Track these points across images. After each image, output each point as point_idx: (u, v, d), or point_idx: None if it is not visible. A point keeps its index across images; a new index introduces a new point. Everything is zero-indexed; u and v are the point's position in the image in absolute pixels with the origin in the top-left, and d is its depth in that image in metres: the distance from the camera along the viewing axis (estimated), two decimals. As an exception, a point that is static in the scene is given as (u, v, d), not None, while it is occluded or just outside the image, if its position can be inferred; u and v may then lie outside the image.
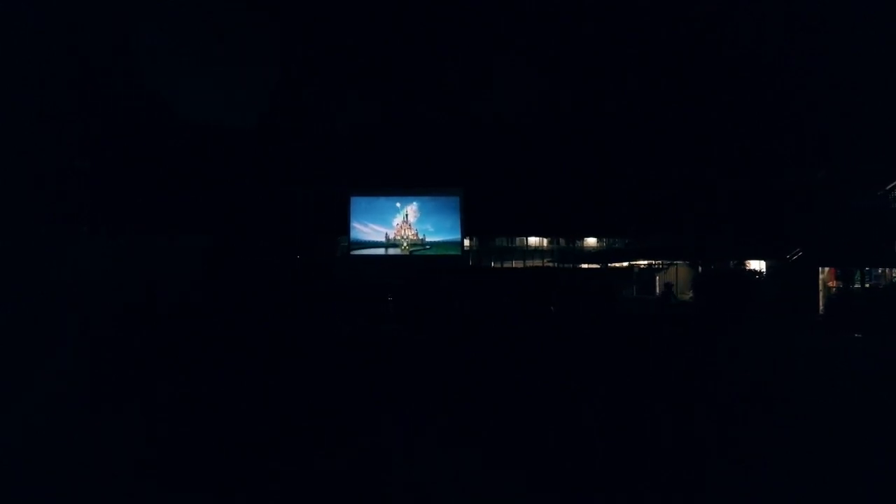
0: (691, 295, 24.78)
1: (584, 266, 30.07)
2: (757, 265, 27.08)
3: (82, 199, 22.14)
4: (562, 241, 31.31)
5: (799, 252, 24.05)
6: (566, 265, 30.15)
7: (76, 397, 8.15)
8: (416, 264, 25.76)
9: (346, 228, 26.79)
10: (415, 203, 26.83)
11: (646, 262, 29.39)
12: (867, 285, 22.35)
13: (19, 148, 19.72)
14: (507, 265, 30.17)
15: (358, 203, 26.90)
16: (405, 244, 26.57)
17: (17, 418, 6.93)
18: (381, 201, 26.93)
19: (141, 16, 22.81)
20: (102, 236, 22.89)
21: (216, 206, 25.28)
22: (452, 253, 26.18)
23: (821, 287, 22.50)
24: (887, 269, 23.07)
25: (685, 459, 5.98)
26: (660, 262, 28.90)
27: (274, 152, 25.63)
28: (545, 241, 31.46)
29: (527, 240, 31.16)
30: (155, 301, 16.78)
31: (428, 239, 26.58)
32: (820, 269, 22.71)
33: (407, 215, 26.79)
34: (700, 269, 27.74)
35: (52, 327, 12.26)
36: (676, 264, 28.07)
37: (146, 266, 20.40)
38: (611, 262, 29.59)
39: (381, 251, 26.43)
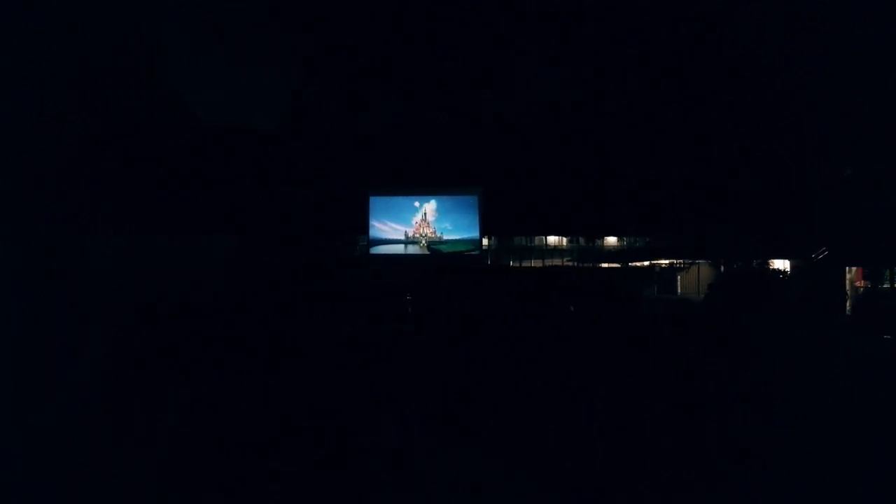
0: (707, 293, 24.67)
1: (605, 265, 30.05)
2: (781, 264, 26.58)
3: (104, 199, 22.46)
4: (581, 240, 31.27)
5: (825, 251, 23.88)
6: (586, 264, 30.14)
7: (88, 396, 8.27)
8: (434, 264, 25.99)
9: (365, 228, 27.13)
10: (433, 201, 27.05)
11: (667, 262, 29.23)
12: (896, 285, 21.94)
13: (43, 150, 20.14)
14: (525, 264, 30.31)
15: (377, 202, 27.25)
16: (423, 241, 26.85)
17: (24, 417, 7.05)
18: (400, 200, 27.22)
19: (162, 16, 23.04)
20: (122, 236, 23.15)
21: (237, 207, 25.64)
22: (470, 248, 26.43)
23: (848, 287, 22.25)
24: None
25: (716, 461, 6.05)
26: (681, 261, 28.68)
27: (293, 153, 25.99)
28: (564, 240, 31.47)
29: (546, 239, 31.21)
30: (175, 301, 17.02)
31: (445, 237, 26.85)
32: (847, 268, 22.49)
33: (425, 214, 27.08)
34: (722, 268, 27.49)
35: (71, 326, 12.45)
36: (698, 263, 27.86)
37: (169, 266, 20.84)
38: (631, 262, 29.53)
39: (400, 248, 26.74)
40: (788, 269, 26.42)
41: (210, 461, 6.06)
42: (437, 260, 26.25)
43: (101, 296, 16.03)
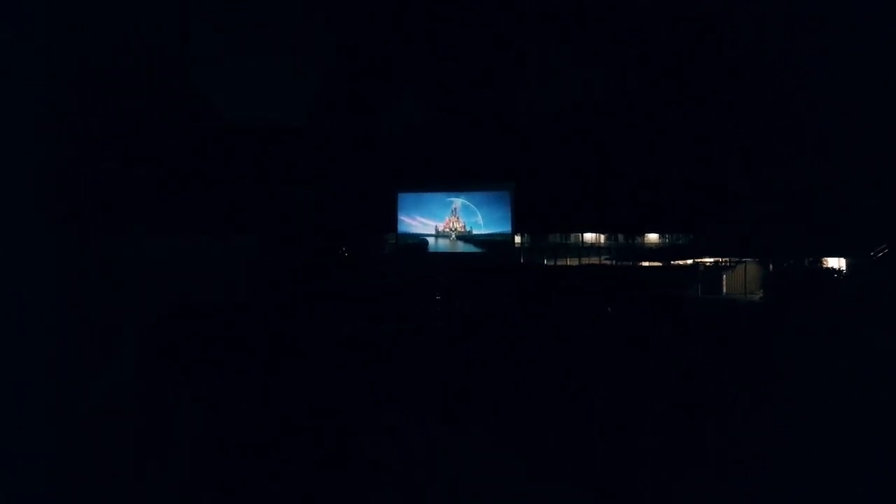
0: (760, 295, 24.59)
1: (645, 264, 29.44)
2: (836, 263, 26.11)
3: (115, 200, 22.78)
4: (620, 237, 30.92)
5: (885, 248, 23.62)
6: (625, 263, 29.66)
7: (94, 399, 8.31)
8: (463, 264, 26.10)
9: (393, 225, 27.56)
10: (464, 197, 27.24)
11: (711, 260, 28.56)
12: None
13: (63, 152, 20.47)
14: (560, 263, 30.06)
15: (405, 199, 27.69)
16: (454, 236, 27.09)
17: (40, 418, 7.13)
18: (429, 196, 27.57)
19: (188, 14, 23.22)
20: (155, 237, 23.44)
21: (261, 206, 26.02)
22: (501, 240, 26.57)
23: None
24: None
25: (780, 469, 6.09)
26: (726, 259, 28.04)
27: (318, 149, 26.50)
28: (602, 237, 31.20)
29: (582, 236, 30.90)
30: (196, 302, 17.14)
31: (476, 232, 27.05)
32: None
33: (455, 208, 27.30)
34: (771, 266, 27.10)
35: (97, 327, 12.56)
36: (745, 262, 27.28)
37: (192, 267, 21.00)
38: (674, 260, 29.25)
39: (430, 241, 27.13)
40: (844, 267, 25.93)
41: (210, 461, 6.20)
42: (467, 261, 26.34)
43: (106, 297, 16.08)
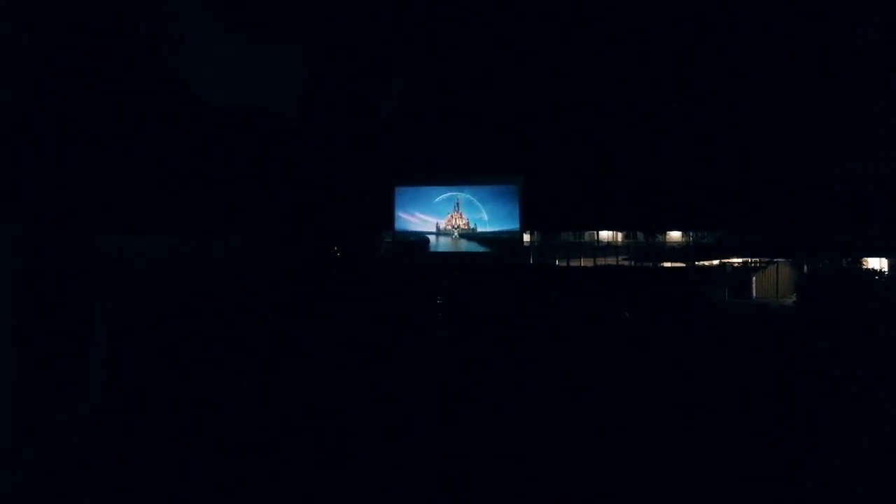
0: (794, 299, 23.61)
1: (667, 265, 28.87)
2: (877, 263, 25.86)
3: (107, 199, 21.92)
4: (639, 235, 30.60)
5: None
6: (645, 263, 29.08)
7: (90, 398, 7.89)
8: (467, 264, 25.47)
9: (389, 222, 26.78)
10: (467, 191, 26.48)
11: (740, 260, 28.27)
12: None
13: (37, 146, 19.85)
14: (573, 263, 29.75)
15: (403, 193, 26.91)
16: (456, 234, 26.27)
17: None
18: (429, 191, 26.80)
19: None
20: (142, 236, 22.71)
21: (252, 205, 25.44)
22: (508, 238, 25.97)
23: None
24: None
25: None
26: (756, 259, 27.82)
27: (308, 140, 25.61)
28: (619, 235, 31.00)
29: (597, 234, 30.73)
30: (188, 304, 16.99)
31: (480, 229, 26.16)
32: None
33: (458, 204, 26.47)
34: (805, 267, 26.67)
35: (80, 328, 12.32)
36: (777, 262, 27.07)
37: (183, 268, 20.66)
38: (698, 260, 28.47)
39: (431, 240, 26.53)
40: (885, 268, 25.71)
41: (210, 461, 6.40)
42: (471, 261, 25.64)
43: (105, 297, 15.69)
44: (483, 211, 26.20)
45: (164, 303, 16.14)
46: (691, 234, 30.50)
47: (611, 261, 29.98)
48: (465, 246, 26.16)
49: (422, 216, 26.53)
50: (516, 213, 25.95)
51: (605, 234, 30.79)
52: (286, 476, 6.00)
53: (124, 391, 8.73)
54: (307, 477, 6.02)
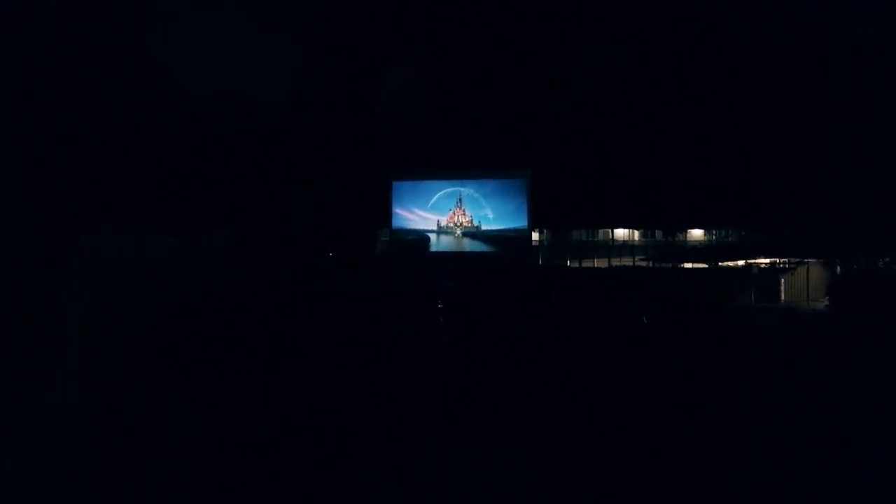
0: (826, 303, 23.47)
1: (688, 266, 28.20)
2: None
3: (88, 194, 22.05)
4: (658, 233, 30.11)
5: None
6: (664, 264, 28.41)
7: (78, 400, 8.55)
8: (470, 265, 25.23)
9: (387, 220, 26.63)
10: (471, 186, 26.31)
11: (767, 261, 27.62)
12: None
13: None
14: (586, 264, 29.09)
15: (401, 188, 26.67)
16: (459, 232, 26.22)
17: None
18: (430, 185, 26.63)
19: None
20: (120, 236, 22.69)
21: (240, 200, 25.31)
22: (515, 236, 26.04)
23: None
24: None
25: None
26: (786, 260, 27.10)
27: (297, 129, 25.43)
28: (636, 233, 30.58)
29: (612, 232, 30.21)
30: (176, 304, 16.38)
31: (485, 227, 26.09)
32: None
33: (461, 199, 26.32)
34: (838, 268, 26.14)
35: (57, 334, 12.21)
36: (807, 263, 26.25)
37: (169, 267, 20.02)
38: (722, 261, 27.99)
39: (432, 239, 26.56)
40: None
41: (209, 462, 6.60)
42: (475, 262, 25.49)
43: (96, 299, 15.41)
44: (488, 207, 26.10)
45: (147, 304, 15.48)
46: (714, 232, 30.33)
47: (627, 261, 29.55)
48: (468, 245, 26.06)
49: (421, 213, 26.38)
50: (524, 209, 25.82)
51: (620, 233, 30.53)
52: (282, 480, 6.22)
53: (106, 392, 8.79)
54: (307, 477, 6.29)
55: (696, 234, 30.31)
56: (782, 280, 26.41)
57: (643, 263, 29.22)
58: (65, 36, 22.21)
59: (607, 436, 8.07)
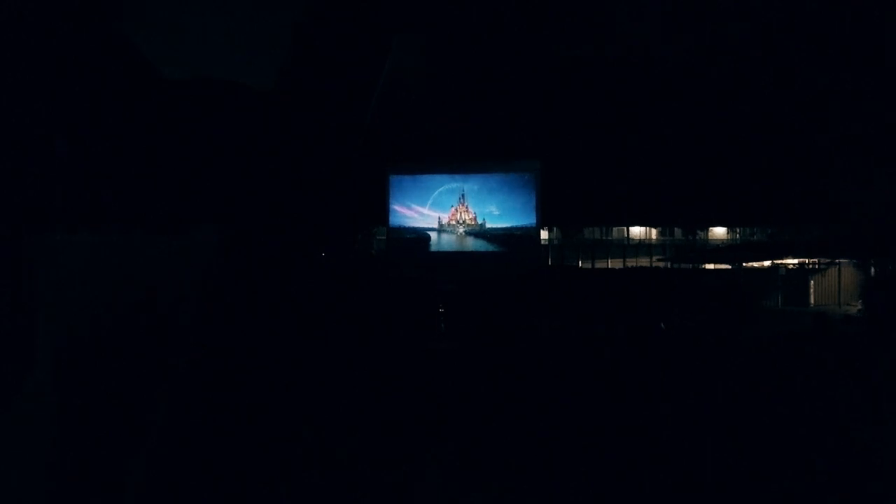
0: (859, 307, 23.59)
1: (709, 266, 28.26)
2: None
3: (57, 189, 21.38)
4: (677, 231, 29.88)
5: None
6: (683, 265, 28.36)
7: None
8: (474, 266, 25.23)
9: (383, 217, 26.32)
10: (474, 180, 26.04)
11: (795, 261, 27.45)
12: None
13: None
14: (599, 265, 29.04)
15: (399, 183, 26.36)
16: (461, 230, 25.89)
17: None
18: (429, 179, 26.34)
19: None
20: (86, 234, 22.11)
21: (222, 193, 24.32)
22: (523, 235, 25.82)
23: None
24: None
25: None
26: (815, 260, 26.96)
27: (284, 117, 24.70)
28: (654, 231, 30.26)
29: (627, 230, 29.96)
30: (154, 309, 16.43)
31: (490, 225, 25.72)
32: None
33: (464, 195, 25.99)
34: (872, 269, 26.00)
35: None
36: (839, 263, 26.20)
37: (142, 269, 19.74)
38: (746, 261, 27.92)
39: (432, 238, 26.34)
40: None
41: (209, 462, 6.88)
42: (479, 263, 25.30)
43: (69, 301, 15.77)
44: (493, 203, 26.00)
45: (124, 306, 15.41)
46: (738, 230, 30.02)
47: (643, 262, 29.44)
48: (471, 245, 25.91)
49: (421, 210, 26.25)
50: (532, 205, 25.68)
51: (636, 231, 30.27)
52: (286, 476, 6.59)
53: (78, 397, 8.53)
54: (307, 477, 6.68)
55: (719, 232, 30.06)
56: (812, 282, 26.35)
57: (661, 264, 29.04)
58: (28, 22, 22.08)
59: (627, 458, 7.86)
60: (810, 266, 27.27)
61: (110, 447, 7.28)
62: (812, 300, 26.34)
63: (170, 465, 7.13)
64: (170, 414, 8.34)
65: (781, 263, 27.72)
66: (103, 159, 22.38)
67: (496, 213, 25.65)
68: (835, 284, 25.78)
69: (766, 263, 27.81)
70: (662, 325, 19.46)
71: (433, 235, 26.00)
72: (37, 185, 20.90)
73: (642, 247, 30.05)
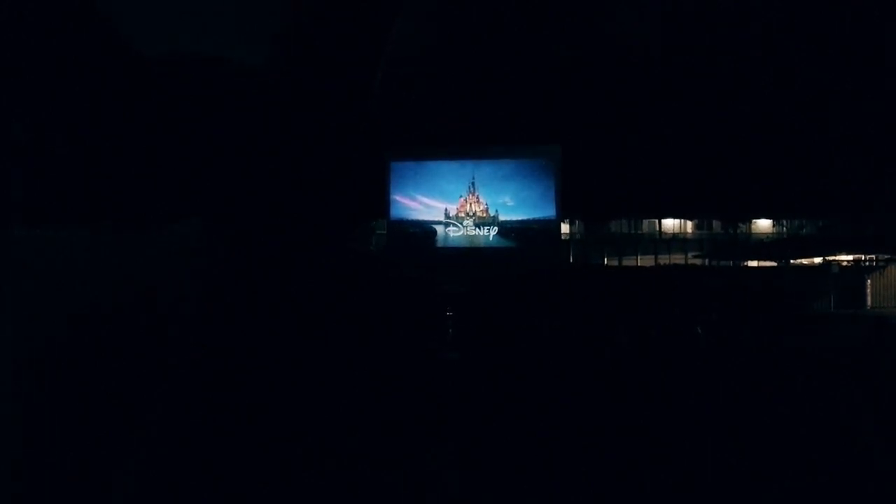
0: None
1: (752, 264, 28.53)
2: None
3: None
4: (715, 224, 30.09)
5: None
6: (723, 262, 28.72)
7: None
8: (485, 264, 25.25)
9: (383, 208, 26.41)
10: (486, 166, 26.09)
11: (850, 258, 27.59)
12: None
13: None
14: (627, 262, 29.42)
15: (401, 170, 26.45)
16: (471, 223, 26.02)
17: None
18: (436, 166, 26.46)
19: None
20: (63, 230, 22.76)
21: (208, 185, 24.72)
22: (541, 228, 26.03)
23: None
24: None
25: None
26: (872, 257, 27.19)
27: (278, 99, 24.91)
28: (689, 224, 30.53)
29: (659, 224, 30.14)
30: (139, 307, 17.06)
31: (503, 217, 25.83)
32: None
33: (474, 183, 26.02)
34: None
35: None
36: None
37: (126, 263, 20.41)
38: (793, 258, 28.26)
39: (439, 231, 26.45)
40: None
41: (208, 462, 7.10)
42: (491, 259, 25.40)
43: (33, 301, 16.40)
44: (507, 193, 26.12)
45: (98, 305, 15.91)
46: (785, 223, 30.39)
47: (677, 259, 29.60)
48: (482, 240, 26.06)
49: (426, 200, 26.42)
50: (552, 195, 25.83)
51: (669, 224, 30.52)
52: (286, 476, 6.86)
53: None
54: (307, 477, 6.98)
55: (763, 224, 30.43)
56: (868, 281, 26.75)
57: (697, 261, 29.28)
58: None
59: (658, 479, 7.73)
60: (867, 263, 27.38)
61: (109, 447, 7.29)
62: (869, 302, 26.52)
63: (169, 466, 7.35)
64: (168, 414, 8.36)
65: (834, 260, 27.89)
66: (97, 157, 23.11)
67: (510, 203, 25.76)
68: (894, 284, 26.26)
69: (817, 260, 28.02)
70: (699, 329, 18.78)
71: (439, 229, 26.03)
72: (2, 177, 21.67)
73: (676, 242, 30.16)
